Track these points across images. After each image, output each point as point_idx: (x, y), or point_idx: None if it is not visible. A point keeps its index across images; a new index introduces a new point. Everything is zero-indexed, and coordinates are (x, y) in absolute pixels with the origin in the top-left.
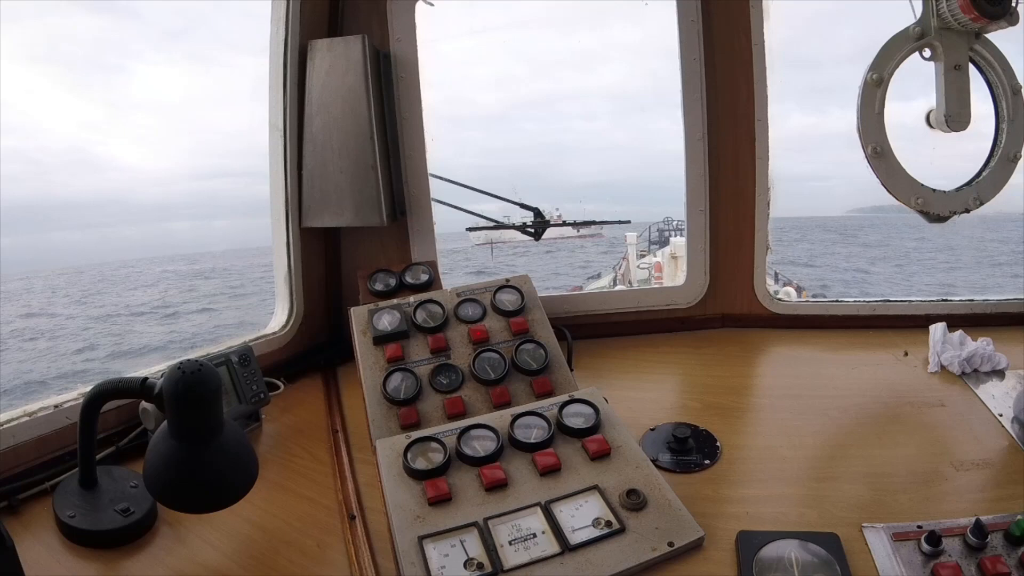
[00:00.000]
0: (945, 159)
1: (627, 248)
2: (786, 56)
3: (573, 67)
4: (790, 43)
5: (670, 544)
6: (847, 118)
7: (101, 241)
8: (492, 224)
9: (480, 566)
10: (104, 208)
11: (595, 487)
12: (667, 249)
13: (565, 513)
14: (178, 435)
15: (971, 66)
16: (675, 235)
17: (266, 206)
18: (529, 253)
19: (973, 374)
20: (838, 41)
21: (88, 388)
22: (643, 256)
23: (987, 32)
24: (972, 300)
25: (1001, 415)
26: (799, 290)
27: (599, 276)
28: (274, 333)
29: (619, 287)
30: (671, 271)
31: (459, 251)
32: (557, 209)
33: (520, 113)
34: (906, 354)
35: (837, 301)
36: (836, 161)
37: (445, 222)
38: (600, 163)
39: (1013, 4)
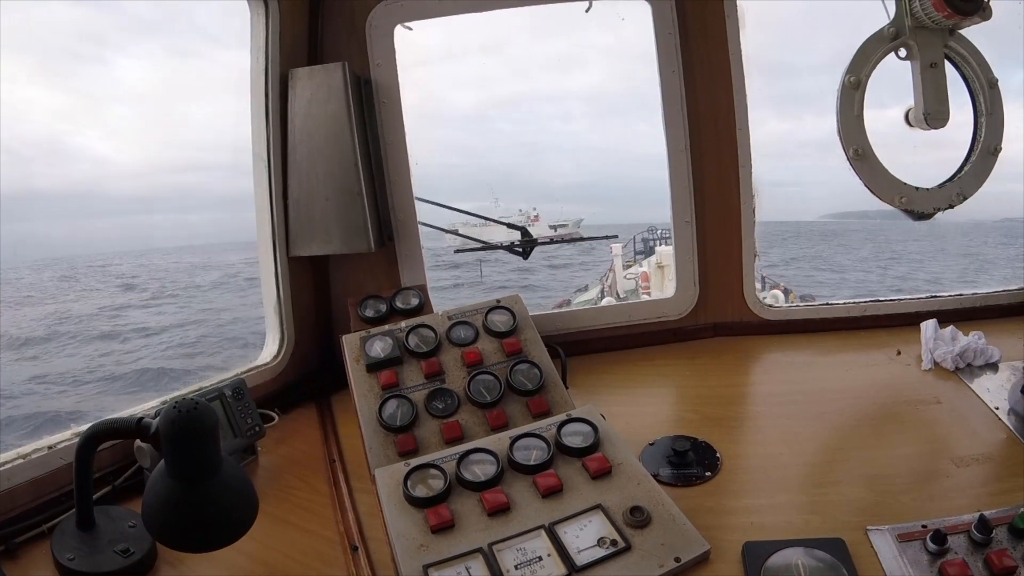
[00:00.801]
0: (922, 166)
1: (613, 259)
2: (761, 63)
3: (550, 69)
4: (765, 48)
5: (676, 560)
6: (823, 126)
7: (71, 233)
8: (480, 246)
9: None
10: (77, 200)
11: (598, 506)
12: (653, 258)
13: (570, 534)
14: (176, 474)
15: (947, 63)
16: (660, 244)
17: (239, 201)
18: (505, 255)
19: (967, 369)
20: (814, 48)
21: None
22: (629, 267)
23: (961, 28)
24: (961, 295)
25: (997, 408)
26: (786, 292)
27: (586, 289)
28: (266, 364)
29: (607, 299)
30: (658, 280)
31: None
32: (535, 209)
33: (497, 113)
34: (899, 353)
35: (827, 304)
36: (811, 167)
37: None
38: (577, 164)
39: (985, 0)
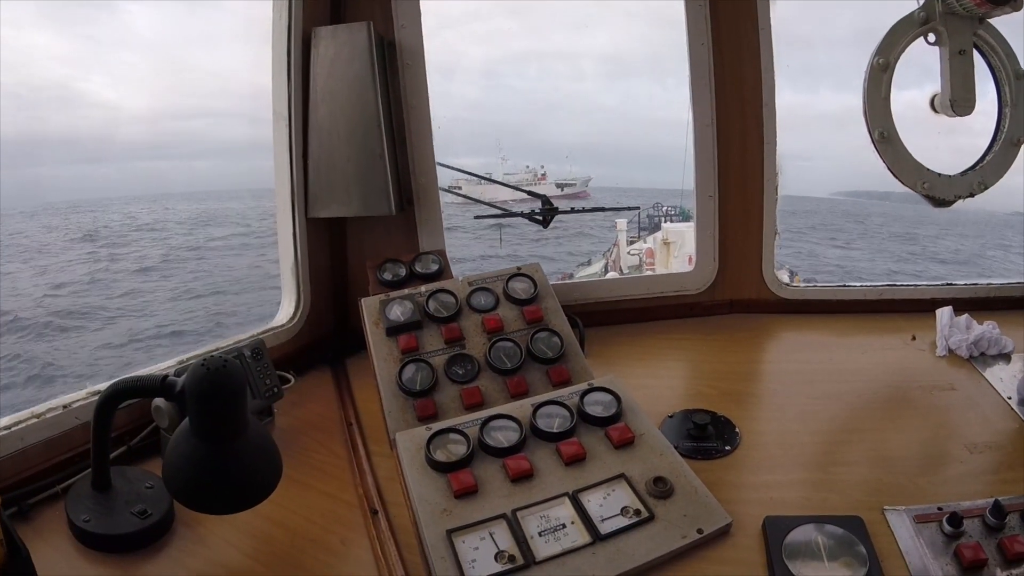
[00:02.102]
0: (936, 151)
1: (617, 235)
2: (781, 34)
3: (564, 27)
4: (786, 21)
5: (699, 531)
6: (838, 100)
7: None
8: (500, 212)
9: (512, 558)
10: (83, 145)
11: (621, 475)
12: (658, 235)
13: (593, 503)
14: (202, 434)
15: (975, 52)
16: (666, 221)
17: (248, 149)
18: (511, 226)
19: (980, 357)
20: (836, 23)
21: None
22: (633, 242)
23: (991, 17)
24: (976, 284)
25: (1010, 398)
26: (792, 274)
27: (589, 263)
28: (282, 325)
29: (611, 274)
30: (663, 257)
31: None
32: (542, 167)
33: (508, 69)
34: (914, 338)
35: (844, 286)
36: (823, 142)
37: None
38: (586, 124)
39: None
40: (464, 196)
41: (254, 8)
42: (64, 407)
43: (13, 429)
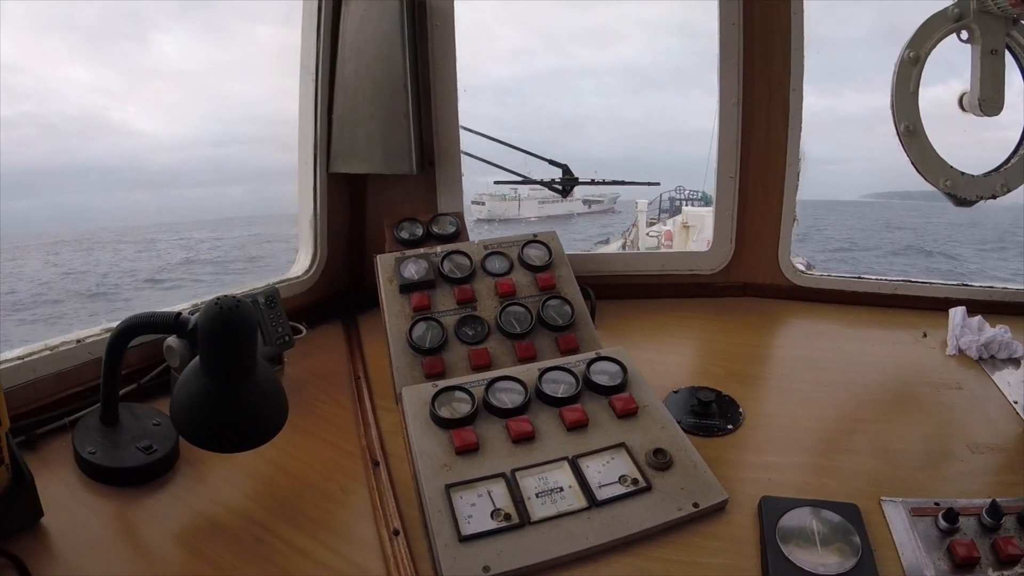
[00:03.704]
0: (963, 147)
1: (637, 215)
2: (805, 38)
3: (587, 43)
4: (808, 23)
5: (695, 505)
6: (863, 102)
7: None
8: (520, 179)
9: (507, 517)
10: (118, 173)
11: (622, 444)
12: (678, 218)
13: (592, 469)
14: (211, 373)
15: (1007, 52)
16: (687, 204)
17: (278, 174)
18: (533, 228)
19: (990, 360)
20: (856, 23)
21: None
22: (653, 224)
23: None
24: (991, 287)
25: (1016, 402)
26: (809, 266)
27: (607, 242)
28: (297, 277)
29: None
30: (681, 240)
31: None
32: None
33: (533, 87)
34: (925, 335)
35: (860, 278)
36: (851, 144)
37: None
38: (613, 139)
39: None
40: (485, 160)
41: (285, 36)
42: (78, 341)
43: (26, 360)
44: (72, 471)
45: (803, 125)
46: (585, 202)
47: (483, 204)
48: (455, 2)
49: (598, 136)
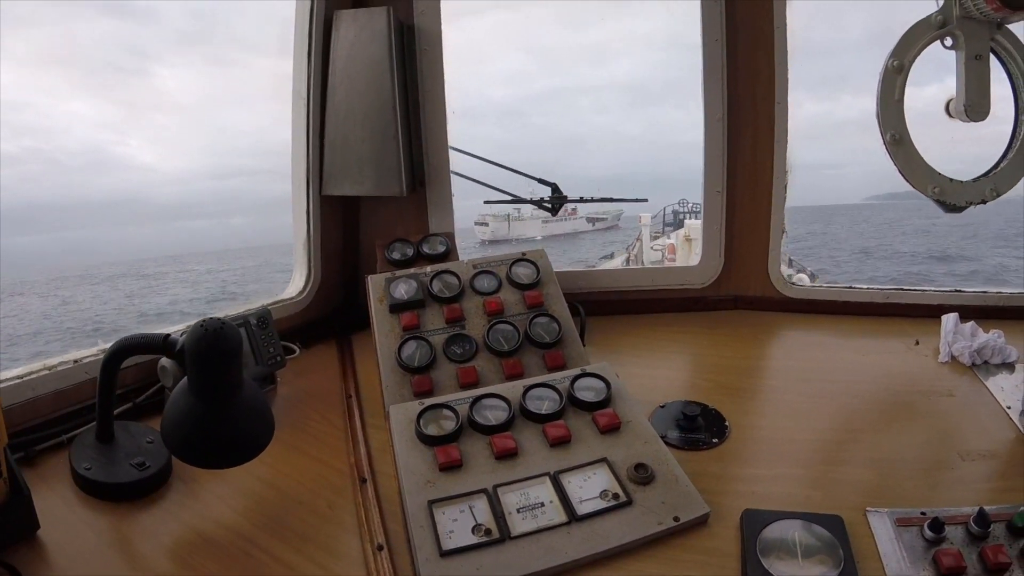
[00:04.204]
0: (959, 144)
1: (641, 229)
2: (797, 44)
3: (584, 61)
4: (800, 30)
5: (675, 519)
6: (860, 105)
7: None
8: (510, 198)
9: (488, 532)
10: (123, 207)
11: (604, 460)
12: (681, 231)
13: (573, 484)
14: (198, 391)
15: (993, 57)
16: (690, 217)
17: (280, 205)
18: (537, 247)
19: (983, 365)
20: (847, 27)
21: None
22: (657, 238)
23: (1009, 23)
24: (985, 292)
25: (1009, 407)
26: (812, 277)
27: (612, 256)
28: (291, 298)
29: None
30: (684, 253)
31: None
32: (580, 197)
33: (533, 108)
34: (917, 343)
35: (850, 287)
36: (850, 148)
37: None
38: (614, 156)
39: None
40: (474, 180)
41: (283, 67)
42: (75, 361)
43: (26, 379)
44: (68, 486)
45: (801, 131)
46: (589, 220)
47: (487, 225)
48: (442, 26)
49: (598, 153)
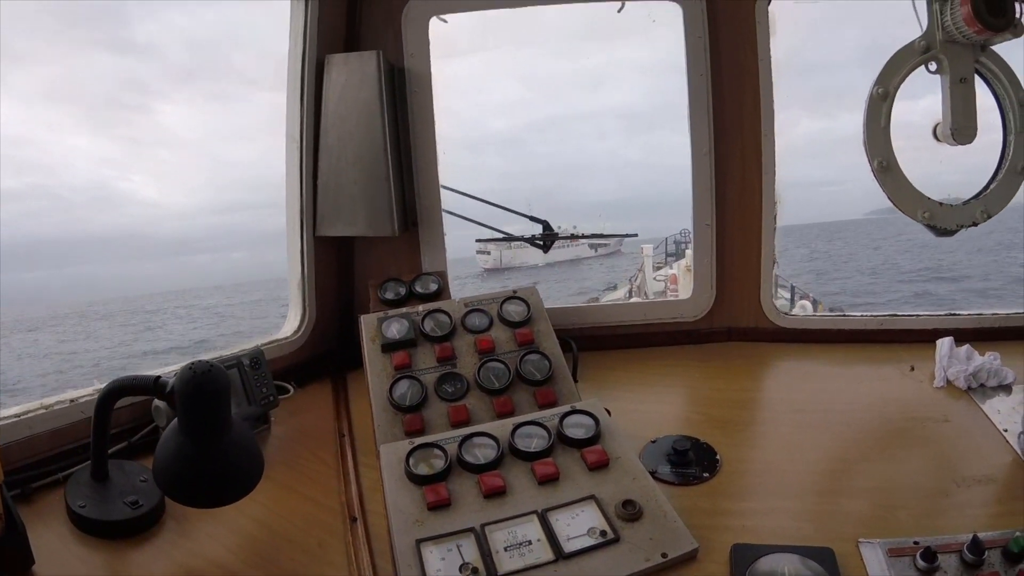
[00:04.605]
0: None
1: (643, 260)
2: (791, 63)
3: (582, 88)
4: (794, 50)
5: (663, 555)
6: (856, 121)
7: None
8: (501, 236)
9: (475, 571)
10: (126, 243)
11: (592, 497)
12: (682, 261)
13: (561, 522)
14: (188, 432)
15: (978, 78)
16: (691, 247)
17: (280, 238)
18: (540, 275)
19: (979, 389)
20: (841, 44)
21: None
22: (659, 268)
23: (992, 44)
24: (980, 314)
25: (1006, 430)
26: (815, 303)
27: (615, 288)
28: (286, 338)
29: (634, 299)
30: (686, 283)
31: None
32: (575, 226)
33: (533, 136)
34: (912, 369)
35: (844, 315)
36: (849, 164)
37: (452, 238)
38: (614, 180)
39: (1018, 16)
40: (466, 218)
41: (279, 99)
42: (71, 401)
43: (23, 417)
44: (64, 523)
45: (800, 149)
46: (591, 246)
47: (488, 253)
48: (432, 68)
49: (599, 179)
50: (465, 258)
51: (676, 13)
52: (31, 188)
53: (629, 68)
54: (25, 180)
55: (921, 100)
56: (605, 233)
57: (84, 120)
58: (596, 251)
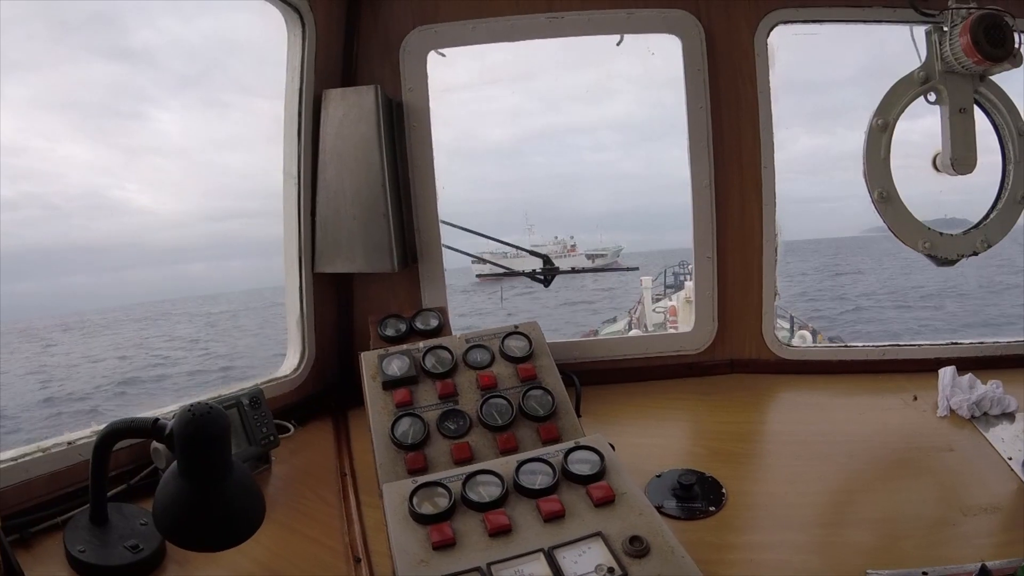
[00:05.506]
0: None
1: (642, 292)
2: (792, 82)
3: (581, 101)
4: (793, 68)
5: None
6: (855, 139)
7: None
8: (503, 271)
9: None
10: (121, 251)
11: (598, 533)
12: (681, 293)
13: (568, 559)
14: (187, 475)
15: (977, 108)
16: (691, 279)
17: (278, 246)
18: (534, 292)
19: (983, 417)
20: (841, 63)
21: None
22: (658, 300)
23: (991, 74)
24: (982, 343)
25: (1010, 458)
26: (814, 333)
27: (615, 320)
28: (286, 376)
29: (634, 331)
30: (685, 315)
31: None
32: (572, 237)
33: (531, 147)
34: (915, 398)
35: (846, 346)
36: (847, 181)
37: (450, 254)
38: (611, 192)
39: (1016, 46)
40: (465, 253)
41: (276, 107)
42: (68, 443)
43: (19, 461)
44: (63, 568)
45: (799, 167)
46: (589, 256)
47: (484, 263)
48: (430, 103)
49: (597, 191)
50: (459, 268)
51: (675, 44)
52: (25, 197)
53: (627, 81)
54: (20, 188)
55: (920, 120)
56: (606, 267)
57: (79, 128)
58: (593, 262)
